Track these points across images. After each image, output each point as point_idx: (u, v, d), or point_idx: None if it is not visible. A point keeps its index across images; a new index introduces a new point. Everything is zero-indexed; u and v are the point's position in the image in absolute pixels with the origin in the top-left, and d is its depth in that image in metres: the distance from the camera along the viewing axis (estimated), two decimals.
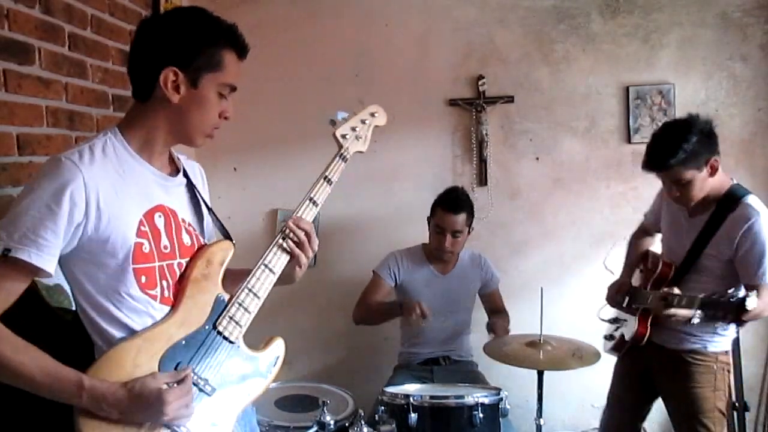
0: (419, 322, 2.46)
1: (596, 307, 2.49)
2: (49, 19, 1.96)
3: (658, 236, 2.37)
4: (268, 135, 3.07)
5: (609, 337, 2.41)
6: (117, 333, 1.22)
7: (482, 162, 3.03)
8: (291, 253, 1.40)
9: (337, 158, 1.53)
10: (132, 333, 1.22)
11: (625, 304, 2.27)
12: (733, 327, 2.11)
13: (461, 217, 2.60)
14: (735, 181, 2.11)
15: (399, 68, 3.07)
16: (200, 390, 1.26)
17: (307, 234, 1.40)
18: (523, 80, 3.02)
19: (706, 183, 2.02)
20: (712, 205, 2.05)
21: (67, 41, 2.06)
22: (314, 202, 1.45)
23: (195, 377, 1.25)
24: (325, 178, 1.49)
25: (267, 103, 2.98)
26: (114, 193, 1.20)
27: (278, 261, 1.39)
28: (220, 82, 1.29)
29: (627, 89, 2.95)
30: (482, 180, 3.05)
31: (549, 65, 3.00)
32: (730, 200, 2.03)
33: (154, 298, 1.25)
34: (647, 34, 2.94)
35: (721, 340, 2.14)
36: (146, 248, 1.24)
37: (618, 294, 2.29)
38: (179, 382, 1.21)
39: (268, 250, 1.39)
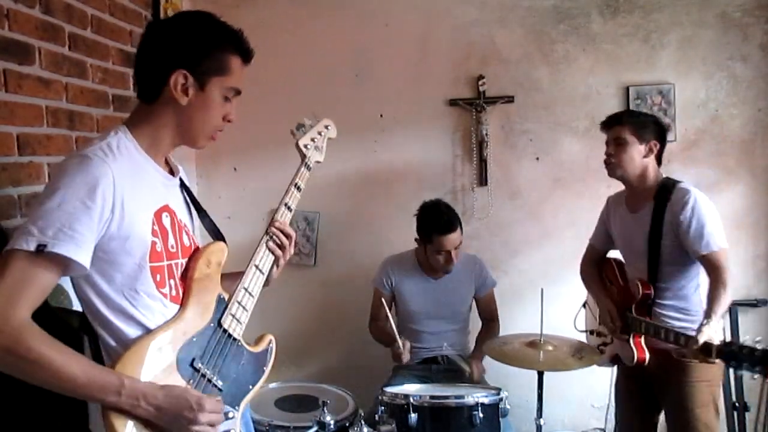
0: (406, 359, 2.53)
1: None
2: (49, 19, 1.96)
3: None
4: (268, 135, 3.07)
5: (599, 351, 2.40)
6: (132, 331, 1.23)
7: (482, 162, 3.03)
8: (274, 255, 1.50)
9: (303, 167, 1.66)
10: (147, 331, 1.23)
11: (619, 332, 2.26)
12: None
13: (457, 233, 2.60)
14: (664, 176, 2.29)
15: (399, 68, 3.07)
16: (213, 385, 1.30)
17: (288, 237, 1.51)
18: (523, 80, 3.02)
19: (639, 159, 2.21)
20: (651, 198, 2.21)
21: (67, 41, 2.07)
22: (289, 208, 1.57)
23: (208, 373, 1.29)
24: (295, 186, 1.61)
25: (267, 103, 2.97)
26: (133, 192, 1.21)
27: (266, 262, 1.48)
28: (226, 85, 1.32)
29: (627, 89, 2.95)
30: (482, 180, 3.05)
31: (549, 65, 3.00)
32: (665, 190, 2.21)
33: (165, 296, 1.27)
34: (647, 34, 2.94)
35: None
36: (159, 247, 1.26)
37: (613, 321, 2.28)
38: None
39: (257, 252, 1.47)
